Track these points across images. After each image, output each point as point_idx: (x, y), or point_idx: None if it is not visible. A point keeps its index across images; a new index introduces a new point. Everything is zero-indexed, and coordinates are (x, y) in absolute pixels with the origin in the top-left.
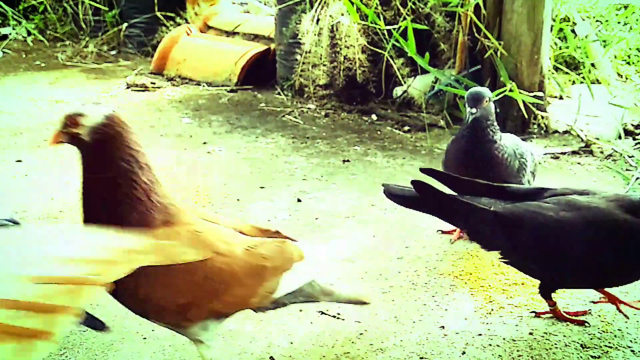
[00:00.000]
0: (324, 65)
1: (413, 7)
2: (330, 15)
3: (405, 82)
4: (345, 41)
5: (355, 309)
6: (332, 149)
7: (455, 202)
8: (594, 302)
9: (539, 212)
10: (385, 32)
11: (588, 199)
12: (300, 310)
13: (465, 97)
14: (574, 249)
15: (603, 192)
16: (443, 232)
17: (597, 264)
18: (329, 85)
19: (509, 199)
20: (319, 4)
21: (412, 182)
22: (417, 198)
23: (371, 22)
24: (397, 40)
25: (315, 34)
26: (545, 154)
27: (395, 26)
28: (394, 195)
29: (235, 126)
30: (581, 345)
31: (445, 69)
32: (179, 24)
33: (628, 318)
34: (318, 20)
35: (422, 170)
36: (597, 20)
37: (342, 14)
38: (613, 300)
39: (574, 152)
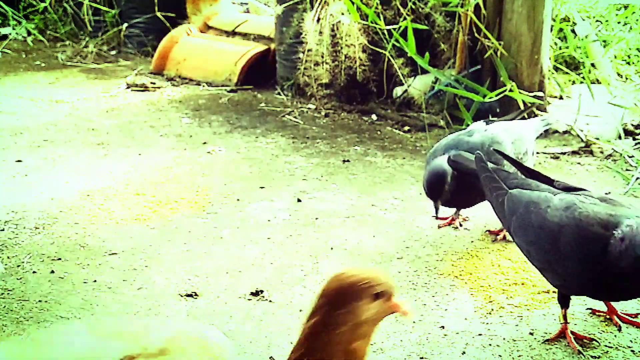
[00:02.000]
0: (327, 63)
1: (413, 7)
2: (331, 15)
3: (405, 82)
4: (346, 40)
5: None
6: (332, 149)
7: (489, 177)
8: (591, 310)
9: (536, 202)
10: (386, 32)
11: (590, 205)
12: (300, 310)
13: (425, 188)
14: (542, 245)
15: (618, 203)
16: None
17: (555, 266)
18: (330, 85)
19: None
20: (319, 3)
21: (476, 154)
22: (474, 170)
23: (371, 22)
24: (397, 40)
25: (316, 33)
26: (547, 126)
27: (395, 26)
28: (459, 163)
29: (235, 126)
30: (581, 345)
31: (445, 69)
32: (179, 24)
33: (620, 330)
34: (319, 19)
35: (496, 151)
36: (597, 20)
37: (343, 14)
38: (611, 310)
39: (574, 152)
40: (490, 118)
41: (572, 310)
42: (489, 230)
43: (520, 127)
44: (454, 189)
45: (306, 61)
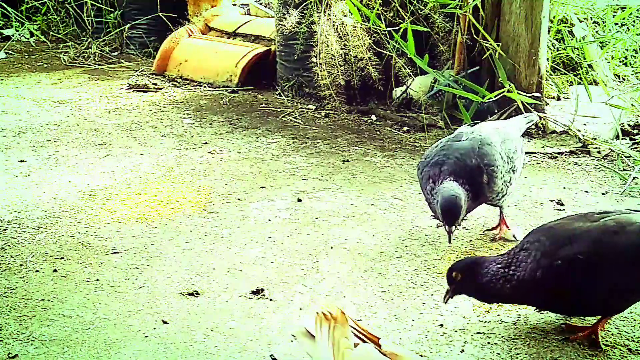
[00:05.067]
0: (340, 65)
1: (412, 8)
2: (335, 15)
3: (407, 82)
4: (352, 41)
5: (355, 307)
6: (332, 149)
7: None
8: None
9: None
10: (387, 33)
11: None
12: (301, 309)
13: (440, 214)
14: None
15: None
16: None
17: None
18: (336, 84)
19: None
20: (323, 5)
21: None
22: None
23: (372, 24)
24: (397, 42)
25: (323, 34)
26: (530, 123)
27: (396, 27)
28: None
29: (236, 126)
30: (579, 344)
31: (444, 70)
32: (180, 25)
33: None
34: (324, 20)
35: None
36: (594, 22)
37: (345, 15)
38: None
39: (571, 152)
40: (473, 122)
41: None
42: (489, 230)
43: (506, 127)
44: (466, 211)
45: (314, 62)
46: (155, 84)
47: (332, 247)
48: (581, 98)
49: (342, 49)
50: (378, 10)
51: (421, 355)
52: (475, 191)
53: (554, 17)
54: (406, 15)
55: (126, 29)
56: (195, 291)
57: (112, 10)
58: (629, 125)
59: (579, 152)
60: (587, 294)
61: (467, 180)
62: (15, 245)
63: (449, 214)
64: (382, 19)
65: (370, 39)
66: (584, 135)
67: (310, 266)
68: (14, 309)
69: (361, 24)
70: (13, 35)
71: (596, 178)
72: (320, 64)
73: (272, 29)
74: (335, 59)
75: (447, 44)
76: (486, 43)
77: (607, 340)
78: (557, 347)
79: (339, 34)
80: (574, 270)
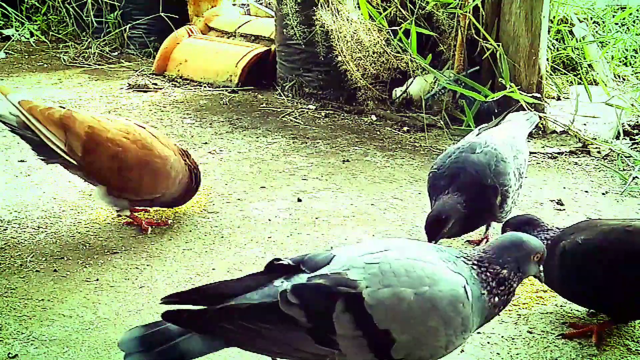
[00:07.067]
0: (370, 56)
1: (413, 8)
2: (342, 12)
3: (408, 81)
4: (368, 38)
5: None
6: (332, 149)
7: None
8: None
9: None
10: (390, 31)
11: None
12: None
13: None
14: None
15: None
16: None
17: None
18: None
19: None
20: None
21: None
22: None
23: (378, 23)
24: (400, 40)
25: (336, 30)
26: (533, 124)
27: (397, 27)
28: None
29: (236, 126)
30: (579, 344)
31: (445, 70)
32: (180, 25)
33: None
34: (335, 17)
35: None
36: (594, 22)
37: (349, 14)
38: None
39: (571, 152)
40: (481, 126)
41: (570, 308)
42: (468, 241)
43: (513, 135)
44: (456, 229)
45: (340, 59)
46: (155, 84)
47: (332, 247)
48: (581, 98)
49: (356, 43)
50: (380, 8)
51: None
52: (481, 211)
53: (554, 17)
54: (408, 15)
55: (126, 29)
56: None
57: (112, 10)
58: (629, 125)
59: (579, 152)
60: (582, 283)
61: (475, 200)
62: (15, 245)
63: (430, 230)
64: (384, 16)
65: (380, 35)
66: (584, 135)
67: None
68: (14, 309)
69: (367, 22)
70: (13, 35)
71: (596, 178)
72: (345, 54)
73: (272, 29)
74: (361, 51)
75: (447, 43)
76: (486, 43)
77: (607, 340)
78: (557, 347)
79: (352, 31)
80: (570, 255)
